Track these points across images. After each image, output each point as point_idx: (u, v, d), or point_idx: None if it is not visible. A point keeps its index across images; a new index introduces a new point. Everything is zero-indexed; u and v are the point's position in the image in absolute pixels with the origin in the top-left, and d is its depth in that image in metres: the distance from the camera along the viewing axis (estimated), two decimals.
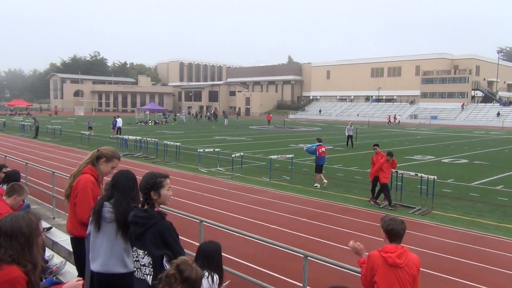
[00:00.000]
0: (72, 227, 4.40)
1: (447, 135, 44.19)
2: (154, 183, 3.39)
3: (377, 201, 12.45)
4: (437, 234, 9.66)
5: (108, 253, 3.71)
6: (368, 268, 3.73)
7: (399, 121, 69.17)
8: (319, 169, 15.03)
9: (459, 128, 57.04)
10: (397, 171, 12.79)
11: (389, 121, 67.05)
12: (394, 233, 3.71)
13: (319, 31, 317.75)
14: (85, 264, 4.26)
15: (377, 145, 13.48)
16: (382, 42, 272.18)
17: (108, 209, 3.69)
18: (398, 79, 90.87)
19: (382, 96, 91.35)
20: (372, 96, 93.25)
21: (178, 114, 65.85)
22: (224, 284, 3.92)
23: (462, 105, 75.48)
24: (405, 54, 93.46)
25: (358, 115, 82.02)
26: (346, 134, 29.37)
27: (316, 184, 14.88)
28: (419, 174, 12.43)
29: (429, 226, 10.37)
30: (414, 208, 11.86)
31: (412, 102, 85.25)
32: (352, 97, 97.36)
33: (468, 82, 77.65)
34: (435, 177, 11.92)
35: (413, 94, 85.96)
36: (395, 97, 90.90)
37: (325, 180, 14.83)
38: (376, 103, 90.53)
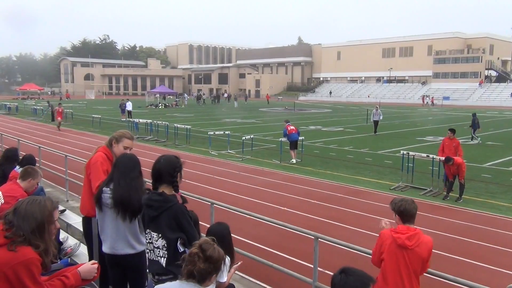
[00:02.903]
0: (84, 207, 4.49)
1: (460, 115, 43.67)
2: (180, 165, 3.45)
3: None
4: (448, 215, 9.64)
5: (114, 235, 3.78)
6: (378, 245, 3.79)
7: (434, 103, 66.77)
8: (292, 145, 16.10)
9: (472, 109, 56.24)
10: (408, 153, 12.72)
11: (425, 102, 65.66)
12: (406, 213, 3.71)
13: (329, 11, 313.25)
14: (97, 245, 4.36)
15: (452, 130, 12.46)
16: (394, 22, 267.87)
17: (107, 195, 3.73)
18: (410, 59, 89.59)
19: (394, 76, 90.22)
20: (383, 77, 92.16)
21: (178, 99, 63.02)
22: (235, 265, 3.97)
23: (480, 82, 74.23)
24: (417, 33, 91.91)
25: (369, 96, 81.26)
26: (372, 120, 26.03)
27: (293, 159, 15.88)
28: (431, 156, 12.35)
29: (441, 207, 10.34)
30: (426, 189, 11.82)
31: (424, 83, 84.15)
32: (363, 78, 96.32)
33: (481, 62, 76.28)
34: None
35: (425, 75, 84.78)
36: (406, 78, 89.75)
37: (293, 160, 15.83)
38: (388, 84, 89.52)
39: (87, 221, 4.49)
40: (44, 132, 25.52)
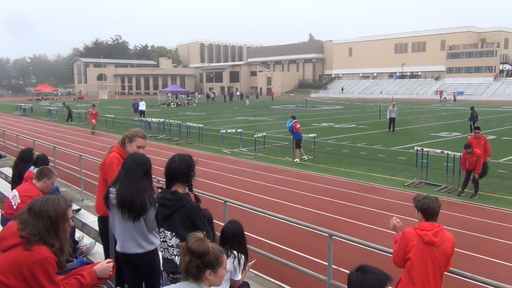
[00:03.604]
0: (99, 207, 4.51)
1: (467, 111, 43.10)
2: (194, 165, 3.46)
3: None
4: (464, 212, 9.52)
5: (123, 235, 3.80)
6: (401, 244, 3.67)
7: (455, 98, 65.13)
8: (298, 144, 15.79)
9: (487, 104, 55.49)
10: (422, 149, 12.58)
11: (443, 98, 64.85)
12: (430, 211, 3.64)
13: (340, 8, 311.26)
14: (109, 243, 4.39)
15: (478, 128, 12.34)
16: (406, 17, 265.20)
17: (113, 196, 3.75)
18: (423, 55, 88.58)
19: (406, 72, 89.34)
20: (395, 73, 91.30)
21: (189, 98, 62.77)
22: (249, 263, 3.97)
23: (495, 76, 73.12)
24: (430, 28, 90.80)
25: (381, 93, 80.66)
26: (388, 117, 25.15)
27: (296, 159, 15.64)
28: (445, 151, 12.20)
29: (456, 203, 10.22)
30: (440, 186, 11.69)
31: (437, 78, 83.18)
32: (375, 74, 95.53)
33: (496, 56, 75.11)
34: (462, 154, 11.67)
35: (438, 70, 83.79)
36: (419, 73, 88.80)
37: (297, 159, 15.63)
38: (400, 79, 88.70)
39: (103, 221, 4.52)
40: (58, 133, 25.81)
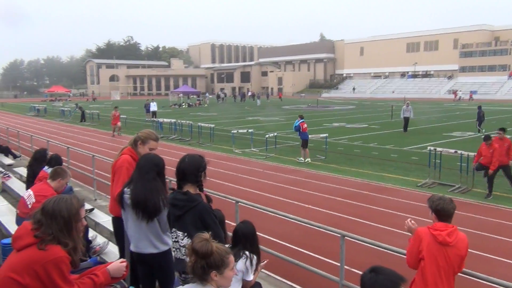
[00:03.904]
0: (111, 208, 4.54)
1: (488, 109, 42.57)
2: (205, 165, 3.46)
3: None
4: (478, 212, 9.41)
5: (137, 235, 3.82)
6: (415, 244, 3.63)
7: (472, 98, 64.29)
8: (304, 144, 15.74)
9: (501, 103, 54.80)
10: (435, 149, 12.46)
11: (458, 97, 64.20)
12: (444, 213, 3.59)
13: (351, 7, 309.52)
14: (125, 243, 4.41)
15: (503, 129, 11.24)
16: (418, 16, 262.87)
17: (127, 196, 3.77)
18: (435, 53, 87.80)
19: (419, 71, 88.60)
20: (408, 72, 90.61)
21: (200, 98, 62.76)
22: (261, 264, 3.97)
23: (510, 75, 72.14)
24: (442, 27, 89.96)
25: (393, 92, 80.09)
26: (402, 116, 24.48)
27: (301, 158, 15.60)
28: (459, 151, 12.07)
29: (470, 204, 10.10)
30: (454, 186, 11.57)
31: (450, 77, 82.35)
32: (387, 73, 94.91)
33: (510, 54, 74.20)
34: (475, 154, 11.53)
35: (451, 69, 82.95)
36: (432, 72, 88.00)
37: (308, 159, 15.53)
38: (412, 79, 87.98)
39: (117, 221, 4.55)
40: (72, 133, 26.08)
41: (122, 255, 4.55)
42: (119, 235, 4.56)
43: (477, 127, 23.55)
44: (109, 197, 4.76)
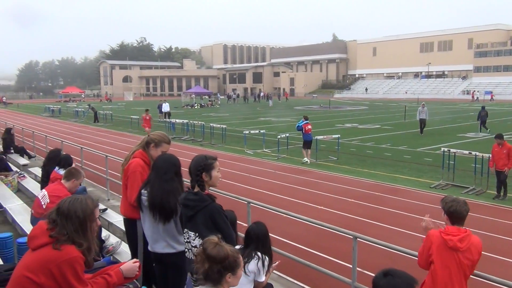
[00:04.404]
0: (124, 209, 4.57)
1: (503, 110, 42.00)
2: (205, 164, 3.41)
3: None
4: (492, 214, 9.29)
5: (154, 236, 3.86)
6: (425, 247, 3.60)
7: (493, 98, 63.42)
8: (306, 145, 15.77)
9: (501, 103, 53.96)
10: (449, 150, 12.33)
11: (475, 98, 63.53)
12: (456, 215, 3.54)
13: (364, 7, 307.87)
14: (137, 245, 4.44)
15: (499, 136, 11.08)
16: (432, 16, 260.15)
17: (144, 197, 3.80)
18: (449, 54, 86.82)
19: (432, 71, 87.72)
20: (421, 72, 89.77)
21: (212, 99, 62.95)
22: (274, 265, 3.96)
23: None
24: (456, 26, 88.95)
25: (406, 93, 79.41)
26: (418, 118, 23.74)
27: (305, 158, 15.58)
28: (473, 152, 11.92)
29: (484, 206, 9.98)
30: (468, 188, 11.43)
31: (464, 77, 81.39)
32: (400, 73, 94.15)
33: None
34: (490, 156, 11.37)
35: (466, 69, 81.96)
36: (446, 73, 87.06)
37: (308, 159, 15.52)
38: (426, 79, 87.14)
39: (128, 222, 4.59)
40: (85, 133, 26.35)
41: (134, 256, 4.58)
42: (129, 236, 4.59)
43: (484, 127, 23.79)
44: (121, 197, 4.79)
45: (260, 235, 3.86)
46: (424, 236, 3.78)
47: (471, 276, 3.69)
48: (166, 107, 33.86)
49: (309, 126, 16.03)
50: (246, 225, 4.39)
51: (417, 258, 3.81)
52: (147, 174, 4.19)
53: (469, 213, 3.66)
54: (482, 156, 11.39)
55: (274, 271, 5.34)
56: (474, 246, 3.49)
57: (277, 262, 4.10)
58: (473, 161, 11.85)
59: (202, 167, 3.41)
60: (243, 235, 4.06)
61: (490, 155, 10.99)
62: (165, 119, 30.32)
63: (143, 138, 4.54)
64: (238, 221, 4.24)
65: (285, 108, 50.92)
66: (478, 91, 67.62)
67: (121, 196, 4.89)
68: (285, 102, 66.28)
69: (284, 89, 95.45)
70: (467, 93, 72.12)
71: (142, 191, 3.85)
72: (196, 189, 3.42)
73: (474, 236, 3.56)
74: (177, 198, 3.62)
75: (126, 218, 4.62)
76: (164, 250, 3.82)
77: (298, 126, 16.12)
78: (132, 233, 4.51)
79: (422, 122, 23.45)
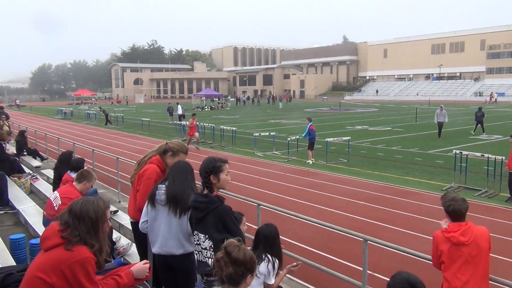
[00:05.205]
0: (133, 212, 4.59)
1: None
2: (214, 167, 3.44)
3: None
4: (505, 217, 9.16)
5: (166, 235, 3.83)
6: (434, 249, 3.68)
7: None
8: (311, 146, 16.04)
9: None
10: (461, 152, 12.21)
11: (493, 99, 63.09)
12: (456, 213, 3.62)
13: (375, 9, 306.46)
14: (147, 247, 4.46)
15: None
16: (443, 17, 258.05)
17: (162, 192, 3.81)
18: (461, 55, 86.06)
19: (444, 73, 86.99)
20: (432, 74, 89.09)
21: (221, 101, 62.72)
22: (291, 268, 3.93)
23: None
24: (468, 28, 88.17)
25: (417, 94, 78.84)
26: (436, 121, 22.46)
27: (309, 160, 15.78)
28: (486, 155, 11.78)
29: (497, 209, 9.85)
30: (481, 190, 11.30)
31: (476, 79, 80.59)
32: (411, 75, 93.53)
33: None
34: (503, 158, 11.23)
35: (478, 70, 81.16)
36: (458, 74, 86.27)
37: (310, 160, 15.79)
38: (437, 81, 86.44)
39: (136, 225, 4.61)
40: (97, 135, 26.58)
41: (144, 257, 4.60)
42: (142, 239, 4.60)
43: (481, 128, 24.04)
44: (130, 200, 4.81)
45: (268, 236, 3.85)
46: None
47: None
48: (180, 109, 33.78)
49: (313, 127, 16.32)
50: (256, 227, 4.39)
51: (428, 261, 3.84)
52: None
53: (481, 216, 3.67)
54: (495, 159, 11.25)
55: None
56: (479, 236, 3.54)
57: (297, 265, 4.03)
58: (486, 163, 11.71)
59: (211, 169, 3.44)
60: (252, 237, 4.07)
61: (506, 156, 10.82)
62: (174, 122, 30.39)
63: (161, 145, 4.53)
64: (248, 223, 4.24)
65: (295, 110, 50.83)
66: (496, 93, 66.73)
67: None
68: (289, 104, 66.06)
69: (284, 90, 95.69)
70: (479, 95, 71.41)
71: (159, 185, 3.87)
72: (205, 191, 3.44)
73: (478, 227, 3.61)
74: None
75: (134, 221, 4.64)
76: (174, 251, 3.80)
77: (311, 131, 16.13)
78: (141, 235, 4.53)
79: (440, 126, 22.32)
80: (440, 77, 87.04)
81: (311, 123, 16.30)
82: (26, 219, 7.61)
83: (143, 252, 4.57)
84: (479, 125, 24.00)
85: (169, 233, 3.82)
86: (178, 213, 3.73)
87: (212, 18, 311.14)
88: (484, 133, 23.53)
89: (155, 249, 3.92)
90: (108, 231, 2.88)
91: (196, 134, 20.22)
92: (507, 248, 7.34)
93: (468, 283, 3.48)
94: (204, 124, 23.92)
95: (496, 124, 29.89)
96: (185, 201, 3.67)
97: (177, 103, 36.17)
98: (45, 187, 10.03)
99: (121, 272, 2.95)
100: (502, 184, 11.14)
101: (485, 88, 73.74)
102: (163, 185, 3.83)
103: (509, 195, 10.53)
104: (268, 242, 3.83)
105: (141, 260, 4.61)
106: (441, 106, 23.11)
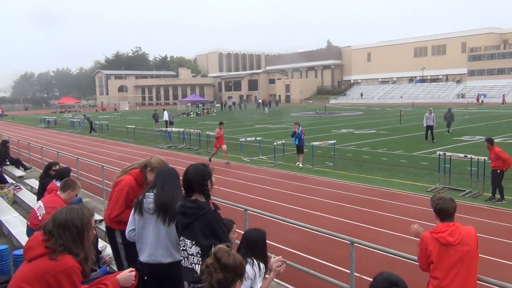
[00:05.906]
0: (107, 218, 4.58)
1: (498, 113, 42.24)
2: (209, 172, 3.47)
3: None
4: (490, 217, 9.30)
5: (154, 243, 3.81)
6: (422, 250, 3.71)
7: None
8: (300, 150, 16.12)
9: (511, 106, 54.28)
10: (445, 153, 12.37)
11: (479, 101, 63.90)
12: (444, 212, 3.68)
13: (358, 13, 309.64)
14: (119, 254, 4.51)
15: (488, 140, 10.94)
16: (425, 20, 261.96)
17: (150, 200, 3.79)
18: (443, 58, 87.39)
19: (427, 76, 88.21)
20: (416, 77, 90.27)
21: (208, 107, 62.42)
22: (279, 268, 3.88)
23: None
24: (450, 31, 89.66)
25: (401, 97, 79.75)
26: (425, 125, 22.17)
27: (299, 163, 15.89)
28: (469, 156, 11.97)
29: (481, 208, 10.00)
30: (464, 191, 11.46)
31: (458, 81, 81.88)
32: (395, 78, 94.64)
33: None
34: (486, 158, 11.41)
35: (460, 73, 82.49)
36: (440, 77, 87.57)
37: (300, 164, 15.86)
38: (421, 83, 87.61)
39: (111, 231, 4.61)
40: (81, 144, 26.28)
41: (119, 264, 4.58)
42: (115, 245, 4.60)
43: (448, 128, 25.37)
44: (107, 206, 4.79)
45: (250, 240, 3.83)
46: (418, 239, 3.85)
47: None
48: (166, 116, 33.60)
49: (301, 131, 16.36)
50: (243, 232, 4.38)
51: (414, 262, 3.85)
52: (135, 196, 4.19)
53: (467, 216, 3.74)
54: (478, 159, 11.43)
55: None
56: (467, 235, 3.60)
57: (282, 262, 3.97)
58: (469, 164, 11.88)
59: (207, 175, 3.44)
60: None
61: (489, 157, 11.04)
62: (160, 128, 30.17)
63: (147, 159, 4.53)
64: (237, 229, 4.23)
65: (281, 115, 50.98)
66: (483, 95, 67.67)
67: None
68: (275, 109, 66.28)
69: (272, 95, 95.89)
70: (462, 97, 72.51)
71: (147, 193, 3.85)
72: (194, 197, 3.42)
73: (465, 227, 3.68)
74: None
75: (107, 227, 4.65)
76: (163, 259, 3.78)
77: (300, 135, 16.14)
78: (114, 242, 4.53)
79: (429, 129, 21.99)
80: (423, 80, 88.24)
81: (299, 127, 16.29)
82: (9, 229, 7.47)
83: (118, 259, 4.60)
84: (446, 124, 25.38)
85: (157, 241, 3.80)
86: (167, 221, 3.71)
87: (197, 24, 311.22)
88: (448, 133, 24.83)
89: (143, 257, 3.89)
90: (93, 240, 2.85)
91: (224, 146, 17.08)
92: (493, 248, 7.44)
93: (457, 283, 3.52)
94: (190, 130, 23.82)
95: (479, 125, 30.38)
96: (174, 209, 3.65)
97: (164, 110, 35.99)
98: (28, 197, 9.87)
99: (107, 281, 2.92)
100: (485, 184, 11.32)
101: (467, 90, 74.94)
102: (151, 193, 3.80)
103: (491, 195, 10.69)
104: (249, 245, 3.81)
105: (118, 266, 4.59)
106: (430, 109, 22.83)
